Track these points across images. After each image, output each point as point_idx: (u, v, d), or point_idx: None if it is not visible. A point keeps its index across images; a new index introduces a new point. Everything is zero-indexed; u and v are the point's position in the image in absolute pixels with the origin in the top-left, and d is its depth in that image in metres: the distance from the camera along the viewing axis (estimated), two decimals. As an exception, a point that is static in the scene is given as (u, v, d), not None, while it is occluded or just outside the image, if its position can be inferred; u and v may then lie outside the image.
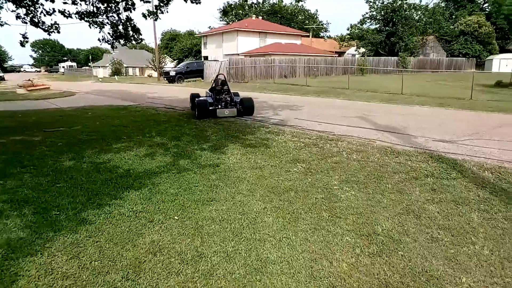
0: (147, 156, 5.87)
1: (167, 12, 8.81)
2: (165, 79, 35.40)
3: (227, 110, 9.83)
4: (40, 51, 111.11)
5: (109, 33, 9.16)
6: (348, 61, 38.44)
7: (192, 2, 8.48)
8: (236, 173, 4.97)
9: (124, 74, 64.31)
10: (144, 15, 8.68)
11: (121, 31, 8.82)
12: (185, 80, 33.19)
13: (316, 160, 5.65)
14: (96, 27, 9.10)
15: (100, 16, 8.99)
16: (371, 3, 43.00)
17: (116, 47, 9.42)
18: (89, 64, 74.03)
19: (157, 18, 8.74)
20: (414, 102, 13.41)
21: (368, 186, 4.43)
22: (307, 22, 63.03)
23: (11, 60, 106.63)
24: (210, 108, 9.70)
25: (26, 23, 8.52)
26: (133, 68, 68.89)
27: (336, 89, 20.60)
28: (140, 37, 9.30)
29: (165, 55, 56.89)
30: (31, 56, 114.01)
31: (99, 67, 66.50)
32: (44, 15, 8.67)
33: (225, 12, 63.15)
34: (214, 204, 3.87)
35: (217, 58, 39.27)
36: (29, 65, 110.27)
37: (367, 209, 3.74)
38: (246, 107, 10.11)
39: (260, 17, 51.98)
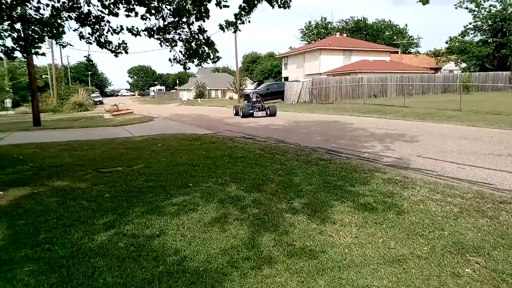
0: (215, 222, 3.90)
1: (249, 22, 7.02)
2: (245, 101, 34.58)
3: (260, 112, 17.92)
4: (135, 77, 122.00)
5: (180, 51, 7.69)
6: (448, 77, 33.81)
7: (280, 7, 6.58)
8: (360, 273, 2.71)
9: (207, 97, 66.34)
10: (221, 27, 6.99)
11: (194, 47, 7.24)
12: (265, 102, 31.88)
13: (499, 248, 3.13)
14: (167, 46, 7.71)
15: (171, 33, 7.58)
16: (475, 13, 37.69)
17: (189, 68, 7.90)
18: (176, 87, 78.18)
19: (236, 30, 6.99)
20: None
21: None
22: (395, 37, 58.55)
23: (111, 85, 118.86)
24: (250, 111, 17.93)
25: (90, 43, 7.42)
26: (215, 91, 70.92)
27: (443, 110, 17.10)
28: (217, 55, 7.65)
29: (246, 77, 57.10)
30: (127, 81, 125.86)
31: (184, 90, 69.67)
32: (112, 34, 7.52)
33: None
34: None
35: (298, 79, 37.55)
36: (125, 89, 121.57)
37: None
38: (272, 111, 18.14)
39: (345, 35, 49.30)
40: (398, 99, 25.35)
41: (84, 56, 7.29)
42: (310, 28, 64.24)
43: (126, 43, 7.72)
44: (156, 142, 9.50)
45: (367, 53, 40.59)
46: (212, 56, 7.65)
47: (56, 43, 7.10)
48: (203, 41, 6.80)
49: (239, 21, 6.95)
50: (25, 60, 58.89)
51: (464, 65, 40.45)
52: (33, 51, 7.21)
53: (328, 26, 63.15)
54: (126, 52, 7.77)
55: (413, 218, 3.95)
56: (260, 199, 4.70)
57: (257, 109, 18.35)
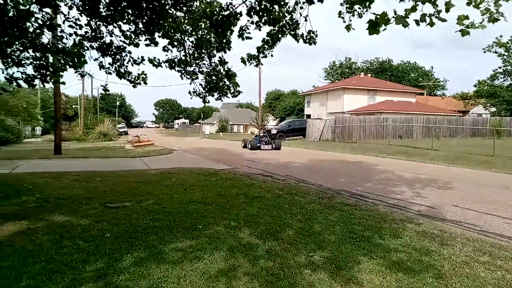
0: (222, 276, 3.37)
1: (272, 55, 6.75)
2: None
3: (266, 146, 20.02)
4: (161, 109, 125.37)
5: (201, 84, 7.47)
6: (477, 121, 32.66)
7: (305, 42, 6.30)
8: None
9: (229, 131, 66.84)
10: (243, 60, 6.75)
11: (214, 80, 7.00)
12: (286, 138, 31.52)
13: None
14: (188, 78, 7.52)
15: (192, 65, 7.41)
16: (505, 57, 36.94)
17: (209, 102, 7.63)
18: (199, 121, 79.50)
19: (258, 63, 6.72)
20: None
21: None
22: (420, 79, 58.04)
23: (137, 116, 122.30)
24: (257, 144, 20.06)
25: (110, 73, 7.31)
26: (237, 125, 71.49)
27: (474, 155, 16.14)
28: (238, 89, 7.39)
29: (268, 113, 57.43)
30: (153, 113, 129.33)
31: (207, 124, 70.63)
32: (132, 65, 7.41)
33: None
34: None
35: (320, 116, 37.27)
36: (150, 121, 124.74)
37: None
38: (276, 145, 20.39)
39: (369, 75, 49.25)
40: (425, 141, 24.41)
41: (101, 85, 7.16)
42: (334, 67, 64.82)
43: (145, 74, 7.58)
44: (170, 176, 9.13)
45: (392, 94, 40.08)
46: (232, 90, 7.40)
47: (75, 72, 7.01)
48: (223, 73, 6.53)
49: (261, 55, 6.70)
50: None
51: (493, 109, 39.19)
52: (52, 80, 7.14)
53: (352, 66, 63.54)
54: (145, 83, 7.62)
55: (458, 285, 3.28)
56: (275, 249, 4.13)
57: (264, 143, 20.80)
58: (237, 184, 8.07)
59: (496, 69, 38.40)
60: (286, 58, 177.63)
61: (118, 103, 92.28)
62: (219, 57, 6.55)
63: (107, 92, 7.22)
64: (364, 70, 54.86)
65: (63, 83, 7.43)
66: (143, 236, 4.45)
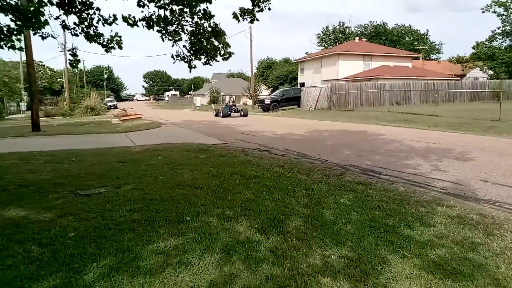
0: (215, 294, 2.52)
1: (269, 9, 5.65)
2: (259, 107, 33.23)
3: (235, 113, 23.43)
4: (151, 81, 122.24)
5: (185, 46, 6.37)
6: (476, 84, 31.82)
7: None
8: None
9: (221, 102, 65.31)
10: (235, 16, 5.67)
11: (200, 39, 5.91)
12: (280, 108, 30.47)
13: None
14: (170, 40, 6.41)
15: (174, 24, 6.28)
16: (504, 17, 35.58)
17: (195, 67, 6.58)
18: (190, 92, 77.49)
19: (253, 19, 5.65)
20: None
21: None
22: (416, 43, 56.50)
23: (126, 89, 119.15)
24: (228, 112, 23.34)
25: (77, 35, 6.18)
26: (229, 96, 69.85)
27: (478, 120, 15.39)
28: (228, 50, 6.33)
29: (260, 83, 55.75)
30: (143, 86, 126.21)
31: (198, 95, 68.88)
32: (103, 25, 6.26)
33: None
34: None
35: (314, 84, 36.09)
36: (140, 94, 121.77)
37: None
38: (244, 113, 23.91)
39: (364, 40, 47.60)
40: (423, 107, 23.60)
41: (68, 50, 6.05)
42: (328, 33, 62.70)
43: (120, 37, 6.48)
44: (157, 154, 8.18)
45: (387, 59, 38.79)
46: (222, 52, 6.33)
47: (34, 33, 5.85)
48: (209, 30, 5.44)
49: (256, 8, 5.61)
50: (43, 63, 58.81)
51: (491, 72, 38.25)
52: (8, 45, 5.96)
53: (346, 31, 61.50)
54: (120, 47, 6.53)
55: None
56: (281, 247, 3.29)
57: (233, 111, 24.49)
58: (231, 161, 7.15)
59: (495, 30, 37.17)
60: (277, 25, 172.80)
61: (105, 76, 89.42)
62: (203, 9, 5.42)
63: (76, 58, 6.13)
64: (358, 35, 53.02)
65: (21, 48, 6.27)
66: (116, 235, 3.56)
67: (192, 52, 6.39)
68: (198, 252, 3.19)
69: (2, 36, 5.78)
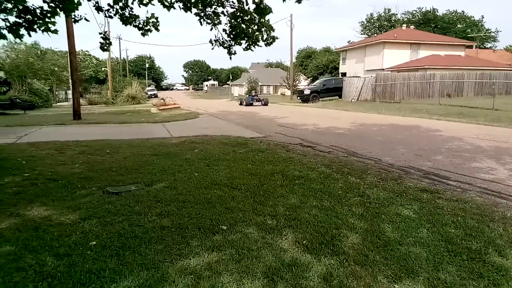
0: None
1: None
2: (298, 98, 32.25)
3: (257, 103, 27.19)
4: (190, 71, 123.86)
5: (225, 30, 5.79)
6: (540, 76, 28.84)
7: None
8: None
9: (259, 92, 64.63)
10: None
11: (241, 22, 5.30)
12: (320, 99, 29.35)
13: None
14: (209, 23, 5.86)
15: (213, 5, 5.71)
16: None
17: (235, 53, 5.99)
18: (228, 82, 77.47)
19: (300, -3, 4.90)
20: None
21: None
22: (469, 30, 52.52)
23: (166, 79, 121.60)
24: (250, 101, 27.24)
25: (111, 17, 5.79)
26: (267, 86, 69.03)
27: (548, 115, 13.66)
28: (272, 34, 5.67)
29: (299, 73, 54.40)
30: (182, 75, 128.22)
31: (236, 85, 68.65)
32: (139, 5, 5.82)
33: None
34: None
35: (357, 74, 34.42)
36: (180, 84, 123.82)
37: None
38: (265, 102, 27.69)
39: (412, 27, 44.82)
40: (479, 100, 21.66)
41: (100, 33, 5.64)
42: (372, 20, 59.88)
43: (156, 18, 6.02)
44: (193, 147, 7.74)
45: (437, 47, 36.20)
46: (265, 36, 5.67)
47: (67, 16, 5.51)
48: (253, 6, 4.79)
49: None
50: (89, 53, 60.95)
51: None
52: (42, 28, 5.66)
53: (391, 19, 58.38)
54: (157, 29, 6.07)
55: None
56: (337, 273, 2.65)
57: (255, 100, 28.09)
58: (271, 158, 6.53)
59: None
60: (318, 13, 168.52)
61: (147, 65, 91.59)
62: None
63: (107, 42, 5.73)
64: (405, 22, 50.04)
65: (55, 31, 5.97)
66: (142, 246, 3.08)
67: (232, 36, 5.80)
68: (235, 275, 2.62)
69: (36, 19, 5.52)
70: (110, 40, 5.76)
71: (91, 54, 68.38)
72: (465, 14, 57.59)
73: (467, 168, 5.73)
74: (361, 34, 60.98)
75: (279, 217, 3.74)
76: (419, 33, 40.74)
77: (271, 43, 5.69)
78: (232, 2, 5.39)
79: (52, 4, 5.42)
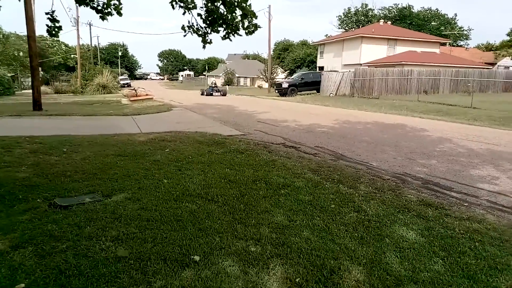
0: None
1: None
2: (276, 91, 31.62)
3: (216, 93, 30.01)
4: (165, 61, 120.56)
5: (199, 14, 5.00)
6: (511, 74, 29.53)
7: None
8: None
9: (235, 84, 63.64)
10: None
11: (219, 7, 4.54)
12: (298, 93, 28.85)
13: None
14: (182, 7, 5.05)
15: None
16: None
17: (210, 42, 5.22)
18: (204, 73, 75.80)
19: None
20: None
21: None
22: (442, 28, 53.45)
23: (140, 68, 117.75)
24: (211, 92, 30.08)
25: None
26: (244, 78, 68.07)
27: (527, 115, 13.67)
28: (254, 22, 4.94)
29: (277, 65, 53.68)
30: (157, 65, 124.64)
31: (212, 76, 67.31)
32: (97, -16, 4.95)
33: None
34: None
35: (334, 69, 34.16)
36: (155, 73, 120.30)
37: None
38: (223, 93, 30.94)
39: (389, 23, 45.02)
40: (454, 97, 21.78)
41: (46, 13, 4.73)
42: (349, 15, 59.91)
43: (119, 0, 5.14)
44: (164, 146, 6.94)
45: (414, 44, 36.47)
46: (247, 24, 4.94)
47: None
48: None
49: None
50: (58, 39, 57.77)
51: (526, 61, 35.67)
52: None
53: (369, 14, 58.59)
54: (119, 14, 5.20)
55: None
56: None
57: (215, 91, 30.37)
58: (251, 161, 5.83)
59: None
60: (295, 6, 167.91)
61: (120, 54, 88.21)
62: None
63: (57, 25, 4.82)
64: (382, 18, 50.26)
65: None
66: (87, 289, 2.33)
67: (208, 22, 5.03)
68: None
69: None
70: (60, 25, 4.85)
71: (60, 40, 65.00)
72: (439, 11, 58.61)
73: (467, 176, 5.25)
74: (339, 28, 61.00)
75: (264, 241, 3.07)
76: (396, 29, 40.92)
77: (253, 31, 4.97)
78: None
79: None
